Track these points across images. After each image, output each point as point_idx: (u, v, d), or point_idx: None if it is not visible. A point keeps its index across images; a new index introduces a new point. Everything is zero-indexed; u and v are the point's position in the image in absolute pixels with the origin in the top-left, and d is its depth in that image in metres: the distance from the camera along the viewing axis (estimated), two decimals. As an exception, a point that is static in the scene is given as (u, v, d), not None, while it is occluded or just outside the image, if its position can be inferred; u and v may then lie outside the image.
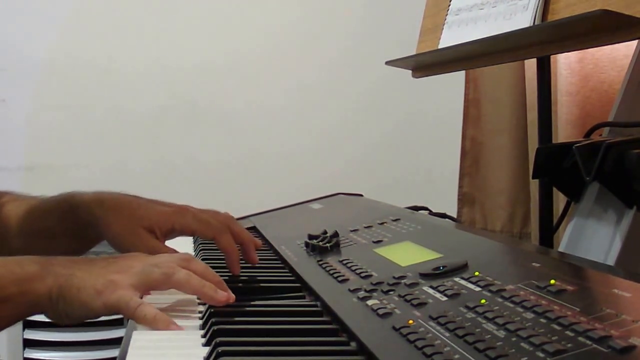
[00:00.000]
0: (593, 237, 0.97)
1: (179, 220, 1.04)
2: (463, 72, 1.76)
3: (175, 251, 1.01)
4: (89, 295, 0.80)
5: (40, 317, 0.85)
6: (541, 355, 0.52)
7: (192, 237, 1.25)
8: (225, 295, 0.82)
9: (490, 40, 1.09)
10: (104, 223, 1.03)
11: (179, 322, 0.79)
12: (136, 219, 1.03)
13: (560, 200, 1.25)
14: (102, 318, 0.85)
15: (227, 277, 0.95)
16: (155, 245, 1.01)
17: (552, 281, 0.64)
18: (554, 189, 1.23)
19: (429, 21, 1.36)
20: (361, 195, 1.59)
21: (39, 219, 1.10)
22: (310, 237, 1.06)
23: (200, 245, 1.20)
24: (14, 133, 2.51)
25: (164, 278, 0.83)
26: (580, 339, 0.53)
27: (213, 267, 0.90)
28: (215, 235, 1.03)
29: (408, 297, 0.72)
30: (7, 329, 0.86)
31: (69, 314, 0.81)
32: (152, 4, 2.56)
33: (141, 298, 0.82)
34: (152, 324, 0.78)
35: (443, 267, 0.77)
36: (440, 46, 1.26)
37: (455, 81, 1.82)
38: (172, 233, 1.05)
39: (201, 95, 2.58)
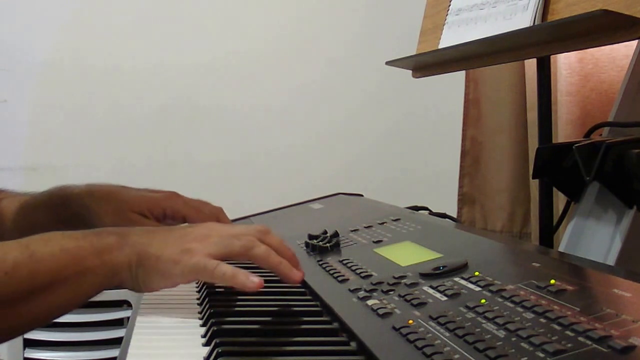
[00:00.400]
0: (593, 237, 0.97)
1: (169, 204, 1.06)
2: (463, 72, 1.76)
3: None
4: (167, 263, 0.80)
5: None
6: (541, 355, 0.52)
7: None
8: (299, 274, 0.84)
9: (490, 40, 1.09)
10: (95, 213, 1.04)
11: (179, 322, 0.79)
12: (127, 204, 1.04)
13: (560, 200, 1.25)
14: (104, 319, 0.85)
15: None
16: (150, 224, 1.02)
17: (552, 281, 0.64)
18: (554, 189, 1.23)
19: (429, 21, 1.36)
20: (361, 195, 1.59)
21: (31, 213, 1.10)
22: (311, 237, 1.06)
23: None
24: (15, 133, 2.51)
25: (243, 251, 0.83)
26: (580, 338, 0.53)
27: None
28: (205, 221, 1.03)
29: (408, 297, 0.72)
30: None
31: (148, 282, 0.82)
32: (153, 4, 2.56)
33: None
34: (233, 281, 0.78)
35: (443, 267, 0.77)
36: (441, 46, 1.26)
37: (455, 81, 1.82)
38: (164, 219, 1.06)
39: (201, 96, 2.58)
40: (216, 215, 1.07)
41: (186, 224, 0.97)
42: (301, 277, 0.84)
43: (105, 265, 0.80)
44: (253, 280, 0.78)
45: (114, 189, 1.08)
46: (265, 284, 0.94)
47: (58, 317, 0.81)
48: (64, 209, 1.07)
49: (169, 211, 1.05)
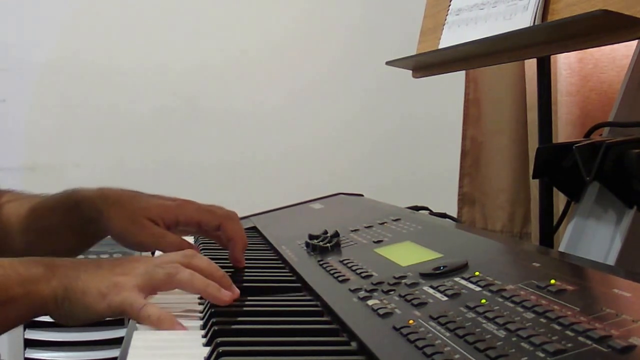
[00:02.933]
0: (593, 237, 0.97)
1: (182, 212, 1.05)
2: (463, 72, 1.76)
3: (180, 239, 1.02)
4: (93, 297, 0.80)
5: (41, 317, 0.85)
6: (541, 355, 0.52)
7: (193, 238, 1.24)
8: (228, 295, 0.82)
9: (490, 41, 1.09)
10: (107, 217, 1.03)
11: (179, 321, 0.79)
12: (139, 211, 1.03)
13: (560, 200, 1.25)
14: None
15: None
16: (159, 232, 1.02)
17: (552, 281, 0.64)
18: (554, 189, 1.23)
19: (429, 21, 1.36)
20: (362, 195, 1.59)
21: (42, 216, 1.10)
22: (311, 237, 1.06)
23: (202, 245, 1.20)
24: (15, 133, 2.51)
25: (167, 278, 0.83)
26: (581, 338, 0.53)
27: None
28: (222, 221, 1.04)
29: (408, 297, 0.72)
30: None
31: (74, 315, 0.81)
32: (153, 4, 2.56)
33: (145, 299, 0.81)
34: (157, 325, 0.77)
35: (443, 267, 0.77)
36: (441, 46, 1.26)
37: (455, 81, 1.82)
38: (177, 226, 1.05)
39: (201, 96, 2.59)
40: (230, 217, 1.06)
41: (119, 256, 0.97)
42: (230, 297, 0.82)
43: (30, 295, 0.80)
44: (178, 327, 0.77)
45: (127, 194, 1.07)
46: (266, 284, 0.94)
47: None
48: (77, 212, 1.07)
49: (181, 218, 1.04)
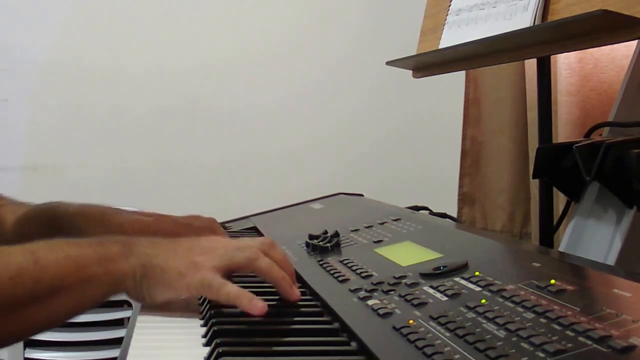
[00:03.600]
0: (593, 237, 0.97)
1: (160, 226, 1.06)
2: (463, 72, 1.76)
3: None
4: (172, 276, 0.80)
5: None
6: (541, 355, 0.52)
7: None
8: (297, 294, 0.84)
9: (490, 41, 1.09)
10: (85, 235, 1.03)
11: (179, 322, 0.79)
12: (118, 227, 1.04)
13: (560, 200, 1.25)
14: (104, 319, 0.85)
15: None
16: None
17: (552, 281, 0.64)
18: (554, 189, 1.23)
19: (430, 21, 1.36)
20: (362, 195, 1.59)
21: (26, 226, 1.10)
22: (311, 237, 1.06)
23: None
24: (15, 133, 2.51)
25: (247, 262, 0.84)
26: (581, 338, 0.53)
27: None
28: (200, 234, 1.03)
29: (408, 297, 0.72)
30: None
31: (152, 294, 0.81)
32: (153, 4, 2.56)
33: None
34: (236, 301, 0.78)
35: (443, 267, 0.77)
36: (441, 46, 1.26)
37: (455, 81, 1.82)
38: None
39: (202, 96, 2.58)
40: (209, 226, 1.08)
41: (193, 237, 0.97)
42: (299, 296, 0.84)
43: (109, 274, 0.80)
44: (256, 305, 0.77)
45: (106, 211, 1.08)
46: (265, 284, 0.94)
47: (60, 324, 0.81)
48: (56, 227, 1.07)
49: (159, 234, 1.04)
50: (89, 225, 1.05)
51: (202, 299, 0.89)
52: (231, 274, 0.84)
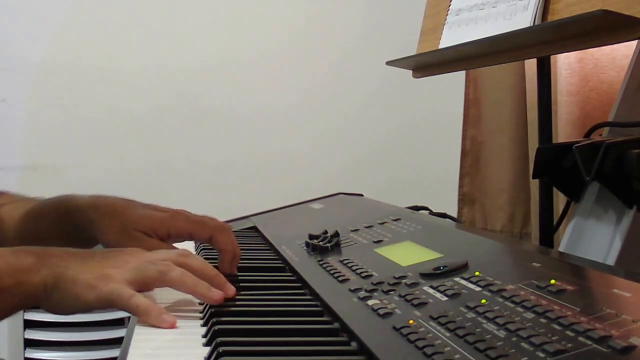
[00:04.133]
0: (593, 237, 0.97)
1: (173, 223, 1.04)
2: (463, 72, 1.76)
3: (175, 248, 1.00)
4: (82, 288, 0.80)
5: (41, 317, 0.85)
6: (541, 355, 0.52)
7: (194, 243, 1.24)
8: (219, 294, 0.82)
9: (490, 41, 1.09)
10: (99, 227, 1.03)
11: (179, 322, 0.79)
12: (131, 223, 1.03)
13: (560, 200, 1.25)
14: (104, 318, 0.85)
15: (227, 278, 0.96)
16: (153, 244, 1.00)
17: (552, 281, 0.64)
18: (554, 189, 1.23)
19: (429, 21, 1.36)
20: (362, 195, 1.59)
21: (34, 221, 1.09)
22: (311, 237, 1.06)
23: (203, 252, 1.20)
24: (14, 132, 2.51)
25: (159, 276, 0.82)
26: (581, 338, 0.53)
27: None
28: (213, 233, 1.03)
29: (408, 297, 0.72)
30: (8, 330, 0.86)
31: (63, 305, 0.81)
32: (153, 4, 2.56)
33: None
34: (144, 316, 0.78)
35: (443, 267, 0.77)
36: (441, 46, 1.26)
37: (455, 81, 1.82)
38: (169, 238, 1.04)
39: (202, 96, 2.58)
40: (222, 228, 1.05)
41: (111, 248, 0.96)
42: (221, 295, 0.82)
43: (20, 285, 0.80)
44: (165, 320, 0.77)
45: (119, 204, 1.06)
46: (266, 285, 0.94)
47: None
48: (68, 219, 1.07)
49: (172, 230, 1.04)
50: (101, 218, 1.04)
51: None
52: (145, 289, 0.83)
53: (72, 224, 1.06)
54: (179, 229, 1.04)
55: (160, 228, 1.03)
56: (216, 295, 0.82)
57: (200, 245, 1.23)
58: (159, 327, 0.76)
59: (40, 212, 1.10)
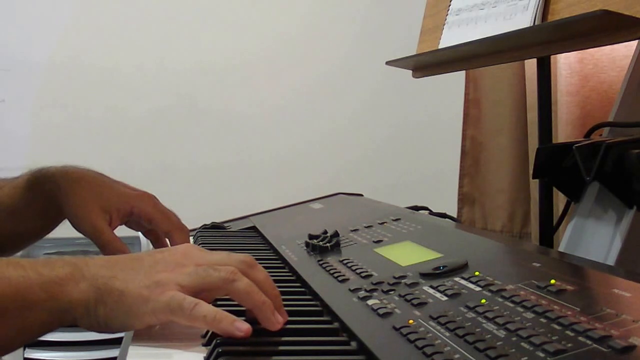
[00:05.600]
0: (593, 237, 0.97)
1: (138, 204, 1.02)
2: (463, 72, 1.76)
3: (121, 243, 0.98)
4: (133, 300, 0.69)
5: None
6: (541, 355, 0.52)
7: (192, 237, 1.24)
8: (281, 322, 0.72)
9: (490, 41, 1.09)
10: (64, 194, 1.00)
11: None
12: (96, 195, 1.00)
13: (560, 200, 1.25)
14: None
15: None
16: (101, 226, 0.98)
17: (552, 281, 0.64)
18: (554, 189, 1.23)
19: (429, 21, 1.36)
20: (361, 195, 1.59)
21: (8, 195, 1.06)
22: (311, 236, 1.06)
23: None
24: (15, 133, 2.51)
25: (222, 284, 0.72)
26: (581, 338, 0.53)
27: None
28: (171, 230, 1.02)
29: (408, 297, 0.72)
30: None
31: (110, 323, 0.70)
32: (154, 5, 2.56)
33: None
34: (214, 325, 0.69)
35: (443, 267, 0.77)
36: (441, 46, 1.26)
37: (455, 81, 1.82)
38: (131, 216, 1.03)
39: (202, 96, 2.59)
40: (182, 229, 1.03)
41: (155, 249, 0.88)
42: (282, 324, 0.72)
43: (55, 299, 0.69)
44: (240, 327, 0.68)
45: (89, 174, 1.04)
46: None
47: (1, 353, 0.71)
48: (38, 189, 1.04)
49: (136, 210, 1.01)
50: (69, 184, 1.01)
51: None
52: (204, 298, 0.71)
53: (41, 192, 1.03)
54: (142, 210, 1.02)
55: (124, 205, 1.01)
56: (279, 322, 0.72)
57: (199, 241, 1.23)
58: (233, 336, 0.68)
59: (13, 185, 1.07)
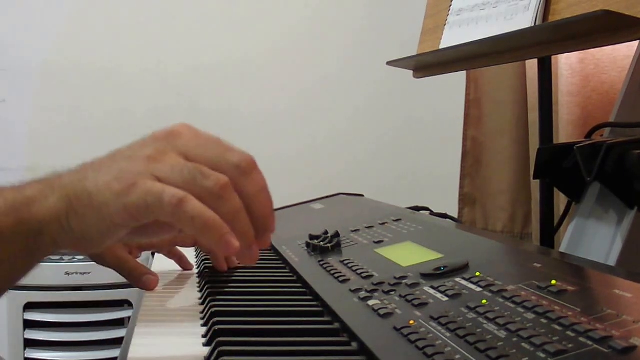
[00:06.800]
0: (594, 237, 0.97)
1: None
2: (464, 73, 1.76)
3: (140, 266, 0.95)
4: (103, 197, 0.58)
5: (41, 317, 0.80)
6: (542, 355, 0.52)
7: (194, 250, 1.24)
8: (253, 256, 0.62)
9: (491, 41, 1.09)
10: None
11: (180, 322, 0.79)
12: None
13: (561, 200, 1.25)
14: (104, 319, 0.78)
15: (227, 277, 0.96)
16: (124, 257, 0.97)
17: (553, 282, 0.64)
18: (555, 190, 1.23)
19: (430, 21, 1.36)
20: (362, 196, 1.59)
21: None
22: (312, 237, 1.06)
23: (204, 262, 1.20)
24: (15, 133, 2.51)
25: (207, 197, 0.58)
26: (581, 339, 0.53)
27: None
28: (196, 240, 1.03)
29: (409, 298, 0.72)
30: (8, 330, 0.74)
31: (85, 232, 0.59)
32: (153, 5, 2.56)
33: None
34: (203, 232, 0.57)
35: (444, 267, 0.77)
36: (442, 46, 1.26)
37: (456, 81, 1.82)
38: (150, 247, 1.04)
39: (202, 97, 2.59)
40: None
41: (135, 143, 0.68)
42: (254, 257, 0.62)
43: (23, 223, 0.59)
44: (230, 243, 0.57)
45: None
46: (266, 284, 0.94)
47: None
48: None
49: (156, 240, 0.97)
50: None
51: (201, 298, 0.89)
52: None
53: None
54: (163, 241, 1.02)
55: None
56: (253, 256, 0.62)
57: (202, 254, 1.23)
58: (219, 252, 0.57)
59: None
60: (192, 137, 0.64)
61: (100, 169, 0.61)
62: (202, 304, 0.87)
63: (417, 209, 1.41)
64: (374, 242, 1.00)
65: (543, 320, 0.58)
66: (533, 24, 1.03)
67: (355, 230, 1.10)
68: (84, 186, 0.59)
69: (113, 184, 0.58)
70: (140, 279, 0.94)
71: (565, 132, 1.38)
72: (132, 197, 0.57)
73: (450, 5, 1.27)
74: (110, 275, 1.03)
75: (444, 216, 1.44)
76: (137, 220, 0.58)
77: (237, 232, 0.59)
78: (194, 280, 1.04)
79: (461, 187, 1.79)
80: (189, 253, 1.20)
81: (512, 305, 0.63)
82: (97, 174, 0.60)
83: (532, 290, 0.65)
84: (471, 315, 0.63)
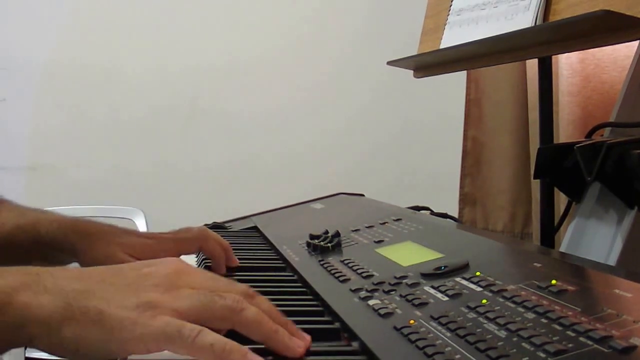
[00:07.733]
0: (594, 237, 0.97)
1: (162, 248, 0.99)
2: (464, 73, 1.76)
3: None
4: (117, 322, 0.57)
5: None
6: (542, 355, 0.52)
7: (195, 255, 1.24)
8: (301, 344, 0.63)
9: (491, 41, 1.09)
10: (80, 250, 0.95)
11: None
12: (116, 245, 0.96)
13: (561, 200, 1.25)
14: None
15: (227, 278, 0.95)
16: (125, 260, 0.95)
17: (553, 281, 0.64)
18: (555, 189, 1.23)
19: (431, 21, 1.36)
20: (362, 195, 1.59)
21: (9, 247, 0.98)
22: (312, 237, 1.06)
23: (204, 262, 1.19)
24: (16, 133, 2.51)
25: (229, 314, 0.61)
26: (582, 339, 0.53)
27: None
28: (199, 245, 1.02)
29: (409, 297, 0.72)
30: None
31: (81, 346, 0.57)
32: (154, 6, 2.56)
33: None
34: (223, 357, 0.57)
35: (444, 267, 0.77)
36: (442, 46, 1.26)
37: (456, 81, 1.82)
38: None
39: (202, 97, 2.59)
40: (203, 238, 1.01)
41: (138, 261, 0.74)
42: (303, 347, 0.63)
43: (2, 312, 0.56)
44: (248, 356, 0.58)
45: (101, 227, 0.98)
46: (266, 284, 0.94)
47: None
48: (38, 249, 0.96)
49: (162, 255, 0.92)
50: (83, 239, 0.95)
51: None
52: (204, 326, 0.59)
53: (41, 257, 0.96)
54: (168, 252, 0.99)
55: (150, 254, 0.97)
56: (298, 345, 0.63)
57: (201, 255, 1.23)
58: None
59: (12, 239, 0.98)
60: (196, 271, 0.66)
61: (108, 286, 0.60)
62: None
63: (418, 208, 1.41)
64: (375, 242, 1.00)
65: (543, 320, 0.58)
66: (533, 24, 1.03)
67: (355, 230, 1.10)
68: (91, 302, 0.58)
69: (130, 312, 0.58)
70: None
71: (565, 131, 1.38)
72: (150, 329, 0.57)
73: (451, 5, 1.27)
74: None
75: (444, 216, 1.44)
76: (150, 350, 0.58)
77: (268, 331, 0.62)
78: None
79: (461, 186, 1.79)
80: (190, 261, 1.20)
81: (513, 305, 0.63)
82: (105, 292, 0.59)
83: (532, 290, 0.65)
84: (471, 315, 0.63)
